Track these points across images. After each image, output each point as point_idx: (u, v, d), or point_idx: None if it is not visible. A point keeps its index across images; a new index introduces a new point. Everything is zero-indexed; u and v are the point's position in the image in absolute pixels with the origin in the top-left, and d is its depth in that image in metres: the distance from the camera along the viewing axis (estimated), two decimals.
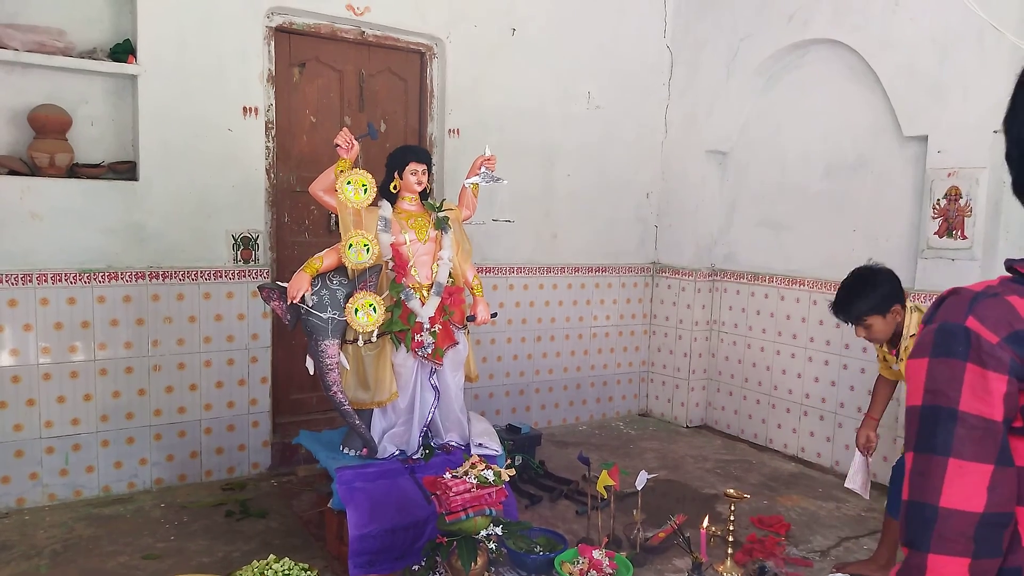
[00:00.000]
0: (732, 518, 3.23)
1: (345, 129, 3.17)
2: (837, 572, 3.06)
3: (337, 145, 3.13)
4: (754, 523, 3.70)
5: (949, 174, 3.87)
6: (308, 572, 2.87)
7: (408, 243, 3.30)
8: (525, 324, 5.13)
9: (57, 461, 3.70)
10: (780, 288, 4.95)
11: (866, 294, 2.87)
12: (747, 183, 5.20)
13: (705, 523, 3.13)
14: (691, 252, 5.43)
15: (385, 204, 3.32)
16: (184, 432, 4.00)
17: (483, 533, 2.98)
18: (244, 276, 4.10)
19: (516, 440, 4.24)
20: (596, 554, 2.96)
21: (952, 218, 3.88)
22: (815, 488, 4.30)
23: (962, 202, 3.80)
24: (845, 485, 3.36)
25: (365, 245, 3.10)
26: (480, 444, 3.47)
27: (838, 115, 4.56)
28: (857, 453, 3.26)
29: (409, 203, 3.37)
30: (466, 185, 3.55)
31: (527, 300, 5.12)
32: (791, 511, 3.93)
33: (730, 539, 3.22)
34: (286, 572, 2.82)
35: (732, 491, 3.28)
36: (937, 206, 3.93)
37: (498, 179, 3.51)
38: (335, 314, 3.09)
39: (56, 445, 3.70)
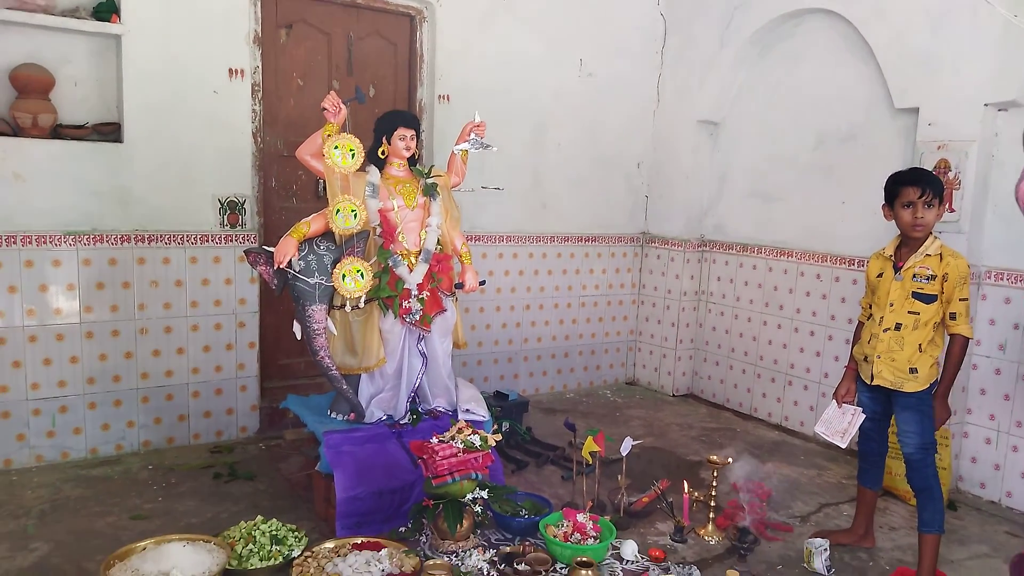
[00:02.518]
0: (715, 484, 3.28)
1: (332, 93, 3.14)
2: (816, 538, 3.11)
3: (324, 109, 3.10)
4: (736, 489, 3.75)
5: (939, 147, 3.87)
6: (296, 533, 2.92)
7: (396, 209, 3.29)
8: (514, 292, 5.14)
9: (44, 423, 3.71)
10: (768, 259, 4.96)
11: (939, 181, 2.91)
12: (738, 154, 5.19)
13: (685, 488, 3.18)
14: (681, 223, 5.43)
15: (373, 169, 3.30)
16: (172, 395, 4.01)
17: (469, 497, 3.02)
18: (231, 240, 4.07)
19: (504, 406, 4.27)
20: (580, 517, 3.01)
21: None
22: (797, 456, 4.37)
23: (951, 175, 3.81)
24: (815, 429, 3.24)
25: (352, 211, 3.09)
26: (467, 410, 3.49)
27: (830, 86, 4.54)
28: (833, 403, 3.17)
29: (397, 169, 3.35)
30: (455, 151, 3.53)
31: (516, 268, 5.12)
32: (773, 477, 3.99)
33: (712, 504, 3.28)
34: (274, 533, 2.86)
35: (715, 457, 3.33)
36: None
37: (488, 146, 3.48)
38: (322, 279, 3.08)
39: (43, 407, 3.70)
